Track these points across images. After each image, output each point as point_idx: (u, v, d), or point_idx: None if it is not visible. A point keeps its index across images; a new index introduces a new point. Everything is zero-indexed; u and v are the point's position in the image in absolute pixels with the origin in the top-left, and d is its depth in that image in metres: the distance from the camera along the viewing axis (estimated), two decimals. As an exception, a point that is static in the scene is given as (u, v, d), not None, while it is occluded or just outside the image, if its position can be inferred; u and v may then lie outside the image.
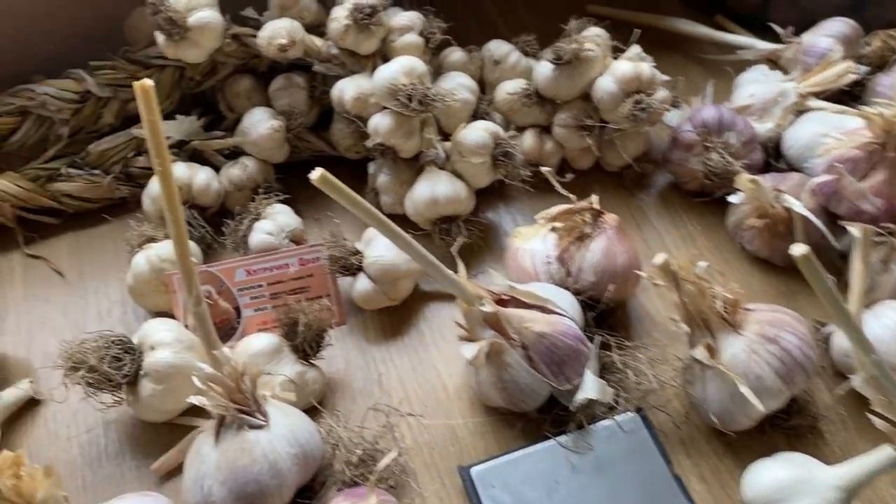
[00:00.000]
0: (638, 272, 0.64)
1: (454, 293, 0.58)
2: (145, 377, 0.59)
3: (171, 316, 0.66)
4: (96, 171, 0.75)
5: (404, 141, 0.70)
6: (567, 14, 0.96)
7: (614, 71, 0.72)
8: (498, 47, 0.80)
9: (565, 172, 0.78)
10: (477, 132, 0.70)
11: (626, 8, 0.95)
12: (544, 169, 0.66)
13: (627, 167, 0.78)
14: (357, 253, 0.67)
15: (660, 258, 0.58)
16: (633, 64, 0.72)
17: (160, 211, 0.72)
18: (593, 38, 0.74)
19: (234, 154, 0.77)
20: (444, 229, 0.71)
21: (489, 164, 0.71)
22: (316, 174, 0.50)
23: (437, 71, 0.80)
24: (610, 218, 0.66)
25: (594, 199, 0.65)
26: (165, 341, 0.60)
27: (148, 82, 0.50)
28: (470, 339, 0.60)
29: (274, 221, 0.69)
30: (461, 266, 0.61)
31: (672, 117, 0.78)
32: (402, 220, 0.74)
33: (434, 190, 0.70)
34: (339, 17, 0.71)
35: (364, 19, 0.70)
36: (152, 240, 0.68)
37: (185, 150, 0.76)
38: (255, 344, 0.61)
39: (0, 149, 0.75)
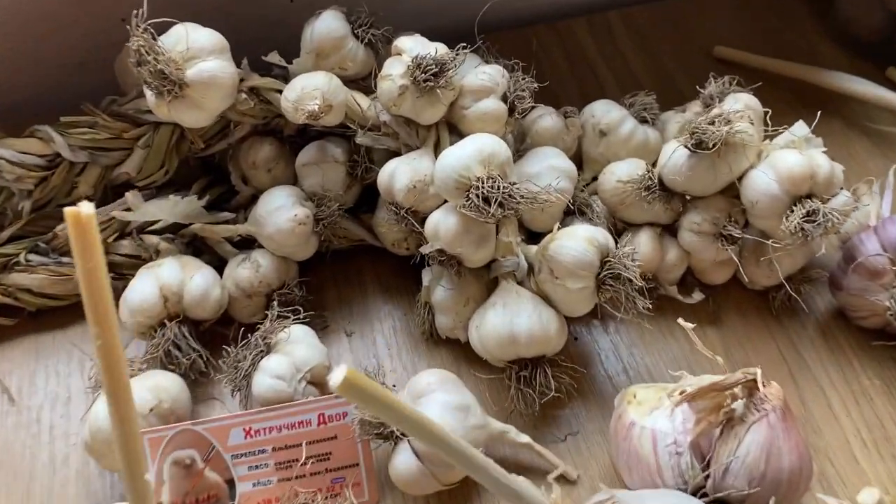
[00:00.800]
0: (820, 496, 0.43)
1: (543, 527, 0.38)
2: None
3: (141, 484, 0.48)
4: (65, 260, 0.57)
5: (474, 250, 0.51)
6: (687, 58, 0.76)
7: (776, 165, 0.51)
8: (606, 112, 0.59)
9: (691, 286, 0.58)
10: (578, 245, 0.49)
11: (763, 52, 0.74)
12: (685, 324, 0.46)
13: (777, 287, 0.56)
14: (400, 414, 0.47)
15: (869, 496, 0.37)
16: (806, 157, 0.51)
17: (142, 326, 0.53)
18: (743, 111, 0.53)
19: (248, 240, 0.58)
20: (523, 377, 0.51)
21: (592, 289, 0.50)
22: (337, 378, 0.31)
23: (521, 138, 0.60)
24: (773, 394, 0.45)
25: (756, 373, 0.44)
26: (117, 553, 0.41)
27: (85, 209, 0.31)
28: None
29: (288, 357, 0.50)
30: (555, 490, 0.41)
31: (841, 219, 0.57)
32: (465, 347, 0.55)
33: (512, 325, 0.50)
34: (394, 74, 0.51)
35: (427, 80, 0.50)
36: (122, 374, 0.49)
37: (182, 236, 0.58)
38: (247, 560, 0.42)
39: (-58, 226, 0.57)
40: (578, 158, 0.61)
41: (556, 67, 0.74)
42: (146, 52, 0.48)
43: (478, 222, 0.49)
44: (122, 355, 0.34)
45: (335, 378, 0.31)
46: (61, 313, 0.58)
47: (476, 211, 0.48)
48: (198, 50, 0.50)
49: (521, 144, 0.60)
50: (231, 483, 0.48)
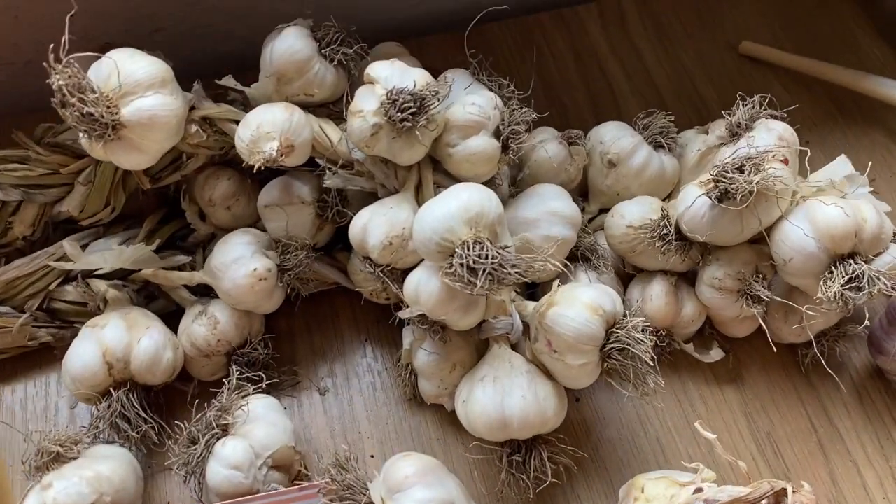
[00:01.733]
0: None
1: None
2: None
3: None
4: (3, 310, 0.50)
5: (460, 316, 0.44)
6: (710, 55, 0.66)
7: (815, 218, 0.43)
8: (616, 139, 0.51)
9: (709, 340, 0.51)
10: (580, 315, 0.42)
11: (798, 48, 0.65)
12: (706, 434, 0.39)
13: (807, 344, 0.50)
14: (374, 512, 0.42)
15: None
16: (850, 210, 0.43)
17: (86, 395, 0.47)
18: (777, 148, 0.45)
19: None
20: (516, 462, 0.45)
21: (596, 363, 0.43)
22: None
23: (518, 165, 0.53)
24: (804, 502, 0.38)
25: (786, 487, 0.37)
26: None
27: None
28: None
29: (245, 441, 0.43)
30: None
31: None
32: (451, 417, 0.48)
33: (504, 406, 0.43)
34: (366, 111, 0.43)
35: (405, 120, 0.42)
36: (58, 459, 0.44)
37: (132, 281, 0.51)
38: None
39: None
40: (584, 187, 0.54)
41: (560, 64, 0.65)
42: (69, 92, 0.40)
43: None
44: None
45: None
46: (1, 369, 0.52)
47: (461, 282, 0.40)
48: (133, 85, 0.42)
49: (518, 173, 0.52)
50: (183, 585, 0.43)
